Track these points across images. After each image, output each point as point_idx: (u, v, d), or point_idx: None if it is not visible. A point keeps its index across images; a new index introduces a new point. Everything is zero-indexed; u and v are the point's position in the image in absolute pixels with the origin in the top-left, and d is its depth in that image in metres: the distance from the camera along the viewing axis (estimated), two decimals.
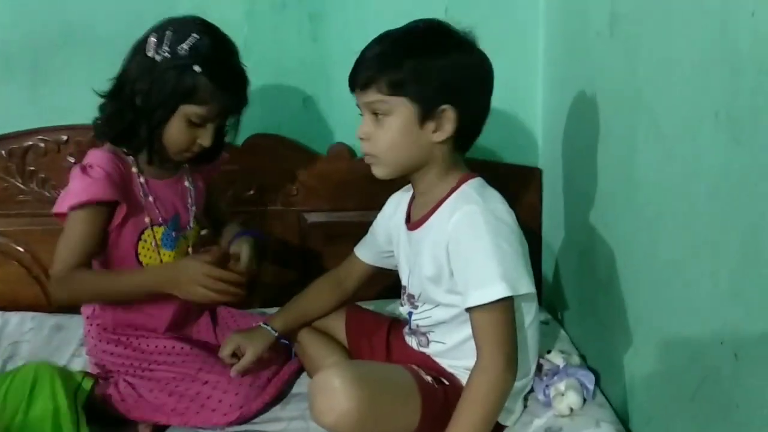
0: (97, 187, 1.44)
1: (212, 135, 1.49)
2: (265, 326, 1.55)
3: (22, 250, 1.96)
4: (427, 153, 1.33)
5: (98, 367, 1.59)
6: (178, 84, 1.41)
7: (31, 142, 1.91)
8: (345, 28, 1.89)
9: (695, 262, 1.12)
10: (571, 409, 1.36)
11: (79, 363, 1.69)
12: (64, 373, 1.47)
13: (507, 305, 1.26)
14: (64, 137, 1.91)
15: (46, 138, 1.91)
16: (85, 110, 1.88)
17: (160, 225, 1.56)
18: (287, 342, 1.60)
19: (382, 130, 1.31)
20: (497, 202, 1.34)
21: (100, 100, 1.51)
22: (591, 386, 1.40)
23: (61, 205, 1.46)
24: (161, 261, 1.57)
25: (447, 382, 1.35)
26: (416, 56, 1.28)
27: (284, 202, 1.96)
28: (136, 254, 1.55)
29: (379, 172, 1.37)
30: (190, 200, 1.62)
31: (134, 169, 1.52)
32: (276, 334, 1.54)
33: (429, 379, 1.33)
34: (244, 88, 1.50)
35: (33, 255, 1.96)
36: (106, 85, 1.88)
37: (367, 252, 1.60)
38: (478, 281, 1.25)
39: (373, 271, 1.61)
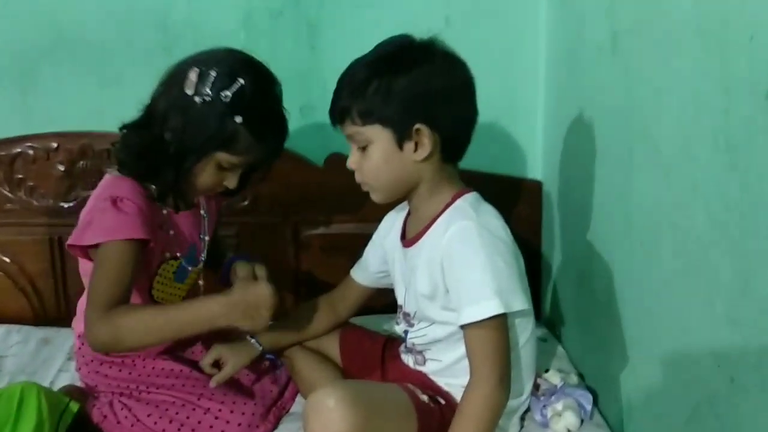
0: (132, 224, 1.42)
1: (238, 178, 1.52)
2: (251, 339, 1.61)
3: (8, 260, 2.01)
4: (415, 173, 1.39)
5: (90, 388, 1.63)
6: (217, 132, 1.42)
7: (19, 150, 1.97)
8: (343, 37, 1.94)
9: (691, 285, 1.19)
10: (568, 431, 1.43)
11: (66, 378, 1.73)
12: (51, 396, 1.49)
13: (500, 322, 1.32)
14: (54, 144, 1.96)
15: (34, 145, 1.96)
16: (75, 117, 1.98)
17: (176, 258, 1.58)
18: (273, 357, 1.67)
19: (367, 161, 1.39)
20: (492, 217, 1.40)
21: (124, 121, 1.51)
22: (588, 407, 1.47)
23: (89, 238, 1.43)
24: (173, 295, 1.60)
25: (443, 401, 1.41)
26: (378, 80, 1.34)
27: (279, 213, 2.02)
28: (150, 288, 1.57)
29: (375, 198, 1.45)
30: (203, 230, 1.65)
31: (158, 202, 1.52)
32: (261, 349, 1.61)
33: (425, 398, 1.40)
34: (283, 140, 1.53)
35: (19, 266, 2.01)
36: (96, 93, 1.98)
37: (362, 274, 1.67)
38: (471, 298, 1.31)
39: (369, 294, 1.68)
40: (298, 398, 1.67)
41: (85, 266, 1.53)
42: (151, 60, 1.91)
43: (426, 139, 1.35)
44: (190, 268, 1.62)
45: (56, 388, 1.63)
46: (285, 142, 1.54)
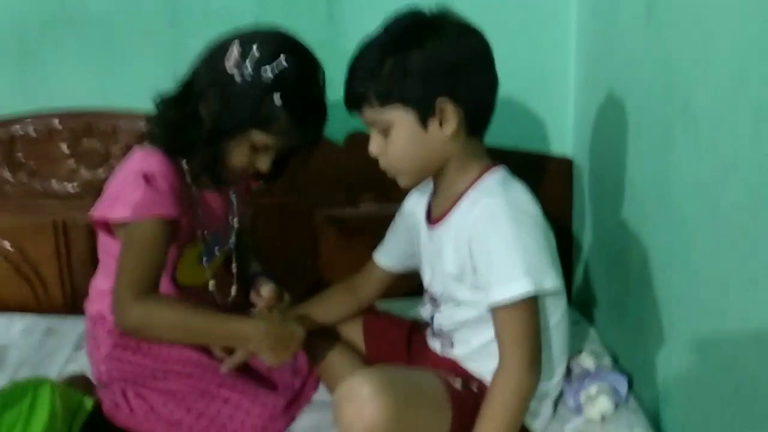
0: (165, 202, 1.45)
1: (271, 161, 1.53)
2: None
3: (9, 246, 2.02)
4: (442, 151, 1.41)
5: (101, 374, 1.64)
6: (254, 111, 1.44)
7: (19, 129, 1.97)
8: (362, 6, 1.94)
9: (732, 264, 1.20)
10: (603, 416, 1.46)
11: (74, 370, 1.73)
12: (64, 393, 1.50)
13: (530, 303, 1.35)
14: (56, 123, 1.97)
15: (36, 125, 1.97)
16: (78, 94, 1.98)
17: (204, 240, 1.61)
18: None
19: (391, 145, 1.41)
20: (520, 193, 1.42)
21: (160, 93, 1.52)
22: (624, 391, 1.50)
23: (119, 213, 1.46)
24: (196, 278, 1.63)
25: (476, 389, 1.44)
26: (392, 59, 1.35)
27: (297, 194, 2.02)
28: (173, 271, 1.60)
29: (403, 183, 1.47)
30: (231, 213, 1.68)
31: (188, 179, 1.55)
32: None
33: (458, 385, 1.42)
34: (322, 127, 1.54)
35: (22, 252, 2.02)
36: (100, 69, 1.98)
37: (387, 257, 1.68)
38: (500, 277, 1.34)
39: (392, 279, 1.70)
40: (320, 387, 1.69)
41: (106, 242, 1.57)
42: (158, 35, 1.96)
43: (450, 113, 1.36)
44: (216, 251, 1.64)
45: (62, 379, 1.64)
46: (324, 129, 1.55)
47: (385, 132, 1.40)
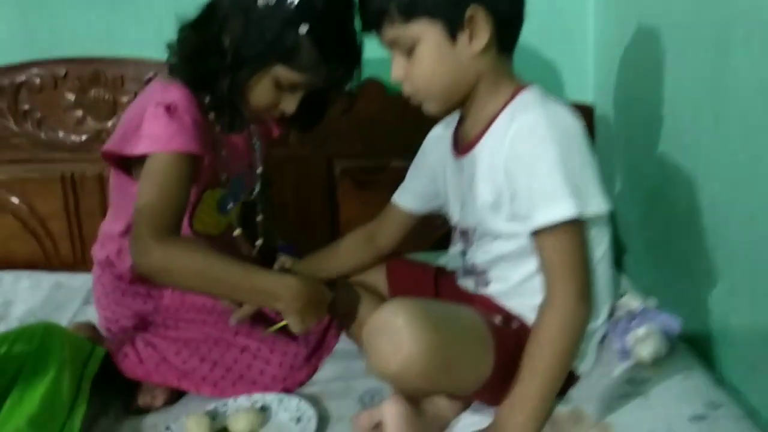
0: (189, 135, 1.30)
1: (297, 102, 1.36)
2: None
3: (16, 201, 1.92)
4: (472, 69, 1.24)
5: (109, 322, 1.51)
6: (277, 40, 1.27)
7: (24, 77, 1.86)
8: None
9: None
10: (656, 358, 1.30)
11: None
12: (74, 341, 1.37)
13: (577, 228, 1.18)
14: (62, 71, 1.85)
15: (40, 72, 1.85)
16: (84, 41, 1.87)
17: (225, 185, 1.47)
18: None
19: (416, 65, 1.24)
20: (561, 108, 1.24)
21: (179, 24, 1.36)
22: (676, 330, 1.33)
23: (140, 147, 1.31)
24: (210, 226, 1.50)
25: (517, 324, 1.28)
26: None
27: (311, 146, 1.89)
28: (191, 217, 1.46)
29: (431, 108, 1.29)
30: (256, 159, 1.54)
31: (211, 116, 1.38)
32: None
33: (498, 320, 1.26)
34: (352, 65, 1.36)
35: (29, 206, 1.92)
36: (107, 14, 1.86)
37: (408, 196, 1.52)
38: (542, 199, 1.17)
39: (413, 222, 1.54)
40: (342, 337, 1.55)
41: (119, 180, 1.44)
42: None
43: (482, 24, 1.19)
44: (236, 196, 1.50)
45: None
46: (355, 68, 1.38)
47: (409, 52, 1.23)
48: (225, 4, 1.32)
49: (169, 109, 1.31)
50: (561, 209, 1.16)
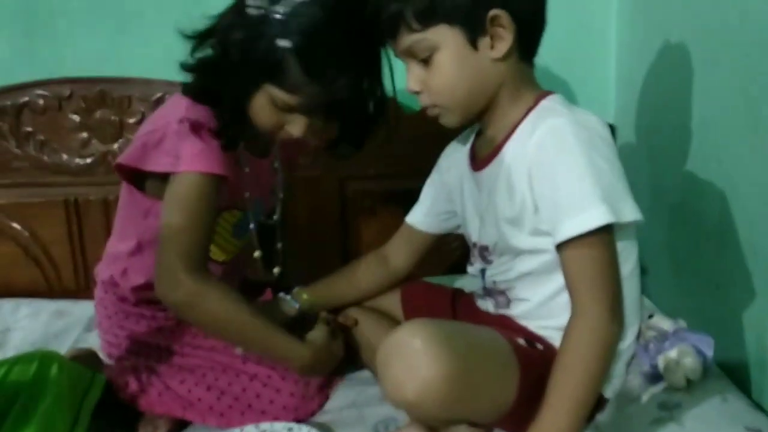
0: (214, 157, 1.23)
1: (305, 127, 1.26)
2: (287, 296, 1.44)
3: (18, 226, 1.84)
4: (494, 77, 1.17)
5: (111, 346, 1.43)
6: (263, 57, 1.18)
7: (27, 98, 1.79)
8: None
9: None
10: (689, 381, 1.21)
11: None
12: (73, 370, 1.27)
13: (607, 238, 1.09)
14: (67, 92, 1.79)
15: (44, 93, 1.79)
16: (89, 61, 1.82)
17: (243, 207, 1.40)
18: None
19: (435, 73, 1.16)
20: (586, 113, 1.17)
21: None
22: (710, 352, 1.24)
23: (163, 163, 1.25)
24: (224, 251, 1.43)
25: (541, 347, 1.19)
26: None
27: (322, 167, 1.83)
28: None
29: (450, 121, 1.22)
30: (277, 185, 1.47)
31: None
32: (298, 307, 1.43)
33: (522, 341, 1.17)
34: (352, 82, 1.22)
35: (31, 232, 1.84)
36: (113, 34, 1.81)
37: (423, 217, 1.45)
38: (570, 208, 1.08)
39: (428, 243, 1.46)
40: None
41: (131, 197, 1.36)
42: None
43: (504, 29, 1.12)
44: (252, 224, 1.41)
45: None
46: (359, 84, 1.25)
47: (426, 60, 1.16)
48: (228, 13, 1.24)
49: (195, 127, 1.23)
50: (593, 217, 1.06)
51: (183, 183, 1.22)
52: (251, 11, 1.18)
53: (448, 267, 1.75)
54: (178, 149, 1.23)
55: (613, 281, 1.10)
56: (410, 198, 1.47)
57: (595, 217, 1.06)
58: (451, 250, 1.78)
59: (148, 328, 1.40)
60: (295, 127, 1.26)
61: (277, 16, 1.16)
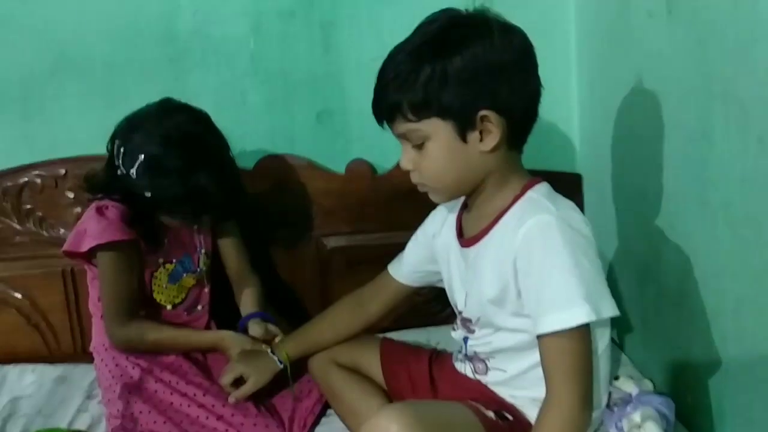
0: (113, 228, 1.46)
1: (209, 222, 1.59)
2: (273, 356, 1.46)
3: (19, 296, 1.82)
4: (481, 166, 1.17)
5: (114, 418, 1.47)
6: (145, 202, 1.45)
7: (26, 179, 1.78)
8: (359, 36, 1.76)
9: None
10: None
11: (85, 418, 1.57)
12: None
13: (585, 332, 1.10)
14: (62, 171, 1.78)
15: (42, 173, 1.78)
16: (82, 140, 1.80)
17: (171, 263, 1.58)
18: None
19: (426, 159, 1.17)
20: (571, 210, 1.18)
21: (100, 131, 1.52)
22: (671, 415, 1.23)
23: (78, 245, 1.49)
24: (170, 296, 1.58)
25: (511, 417, 1.19)
26: (430, 66, 1.10)
27: (300, 227, 1.82)
28: (151, 290, 1.57)
29: (437, 199, 1.24)
30: (199, 243, 1.62)
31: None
32: (282, 366, 1.45)
33: (491, 414, 1.17)
34: (204, 200, 1.44)
35: (32, 301, 1.82)
36: (103, 113, 1.76)
37: (401, 269, 1.45)
38: (555, 303, 1.09)
39: (405, 295, 1.47)
40: (331, 421, 1.47)
41: (92, 272, 1.58)
42: (159, 74, 1.80)
43: (493, 125, 1.12)
44: (184, 274, 1.59)
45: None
46: (209, 199, 1.44)
47: (419, 145, 1.16)
48: (108, 170, 1.51)
49: (100, 210, 1.48)
50: (575, 315, 1.08)
51: (102, 259, 1.49)
52: (121, 171, 1.45)
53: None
54: (91, 230, 1.48)
55: (586, 372, 1.11)
56: (386, 252, 1.49)
57: (577, 316, 1.08)
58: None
59: (138, 395, 1.48)
60: (194, 223, 1.58)
61: (134, 176, 1.42)
